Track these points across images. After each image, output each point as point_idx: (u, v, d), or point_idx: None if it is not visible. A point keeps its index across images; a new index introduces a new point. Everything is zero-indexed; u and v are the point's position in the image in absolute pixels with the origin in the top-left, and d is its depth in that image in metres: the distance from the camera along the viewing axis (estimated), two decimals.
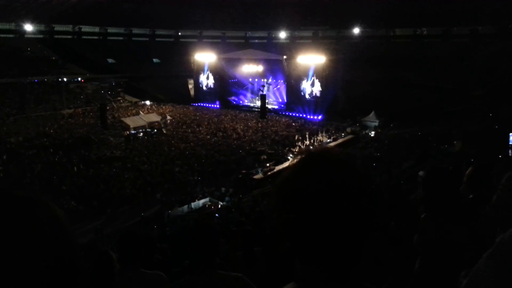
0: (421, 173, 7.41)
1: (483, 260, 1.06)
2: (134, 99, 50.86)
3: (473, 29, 46.25)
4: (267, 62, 45.13)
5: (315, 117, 39.16)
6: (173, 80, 53.16)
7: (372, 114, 35.22)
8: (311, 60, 40.75)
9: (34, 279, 0.58)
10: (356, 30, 55.45)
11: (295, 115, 40.99)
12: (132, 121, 33.94)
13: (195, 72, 50.46)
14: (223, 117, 40.45)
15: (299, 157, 0.92)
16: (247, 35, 64.66)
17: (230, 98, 48.58)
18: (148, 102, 49.65)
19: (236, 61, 47.12)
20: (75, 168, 23.20)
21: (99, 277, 2.44)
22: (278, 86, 45.76)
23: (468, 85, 35.02)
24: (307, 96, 41.47)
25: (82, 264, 0.66)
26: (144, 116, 36.53)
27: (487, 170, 2.87)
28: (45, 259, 0.60)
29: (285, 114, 42.03)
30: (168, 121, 37.92)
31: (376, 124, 34.67)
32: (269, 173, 22.30)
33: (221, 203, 18.25)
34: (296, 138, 31.56)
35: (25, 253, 0.58)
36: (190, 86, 52.22)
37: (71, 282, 0.63)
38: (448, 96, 35.09)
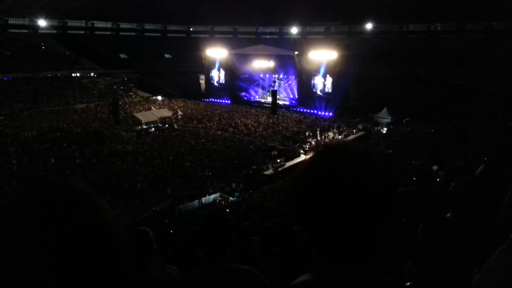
0: (435, 167, 7.35)
1: (496, 256, 1.06)
2: (146, 95, 51.18)
3: (488, 25, 45.51)
4: (278, 57, 44.98)
5: (326, 113, 38.96)
6: (185, 75, 53.35)
7: (384, 111, 34.91)
8: (323, 56, 40.47)
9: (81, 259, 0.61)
10: (369, 26, 54.98)
11: (306, 111, 40.78)
12: (144, 116, 34.17)
13: (206, 67, 50.53)
14: (234, 112, 40.47)
15: (315, 150, 0.92)
16: (259, 30, 64.58)
17: (241, 94, 48.55)
18: (159, 98, 49.91)
19: (247, 57, 47.06)
20: (88, 162, 23.45)
21: (138, 255, 2.49)
22: (289, 82, 45.61)
23: (483, 82, 34.52)
24: (318, 92, 41.25)
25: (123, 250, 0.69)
26: (156, 111, 36.73)
27: (498, 169, 2.83)
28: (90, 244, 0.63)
29: (296, 110, 41.86)
30: (179, 116, 38.09)
31: (388, 120, 34.37)
32: (279, 169, 22.30)
33: (232, 199, 18.32)
34: (307, 134, 31.49)
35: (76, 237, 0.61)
36: (202, 82, 52.34)
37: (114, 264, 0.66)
38: (461, 93, 34.65)
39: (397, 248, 2.48)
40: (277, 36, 62.11)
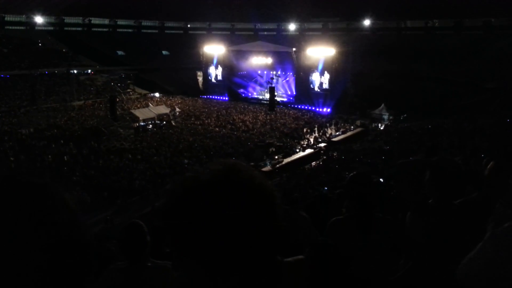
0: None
1: (478, 249, 1.13)
2: (144, 91, 51.09)
3: (486, 20, 45.46)
4: (276, 54, 44.93)
5: (324, 110, 38.95)
6: (182, 72, 53.20)
7: (382, 107, 34.95)
8: (321, 52, 40.42)
9: (38, 257, 0.60)
10: (367, 22, 54.82)
11: (304, 107, 40.81)
12: (141, 113, 34.09)
13: (204, 64, 50.44)
14: (232, 109, 40.42)
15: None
16: (256, 27, 64.32)
17: (239, 91, 48.51)
18: (157, 94, 49.81)
19: (245, 54, 46.98)
20: (85, 159, 23.40)
21: (131, 248, 2.51)
22: (287, 79, 45.53)
23: (481, 78, 34.56)
24: (316, 89, 41.25)
25: (91, 247, 0.69)
26: (153, 108, 36.67)
27: (508, 166, 2.80)
28: (51, 239, 0.62)
29: (294, 106, 41.86)
30: (177, 113, 38.00)
31: (386, 117, 34.41)
32: (277, 165, 22.30)
33: None
34: (305, 131, 31.50)
35: (30, 232, 0.60)
36: (199, 79, 52.26)
37: (78, 263, 0.65)
38: (460, 89, 34.69)
39: (393, 243, 2.48)
40: (275, 33, 61.89)
